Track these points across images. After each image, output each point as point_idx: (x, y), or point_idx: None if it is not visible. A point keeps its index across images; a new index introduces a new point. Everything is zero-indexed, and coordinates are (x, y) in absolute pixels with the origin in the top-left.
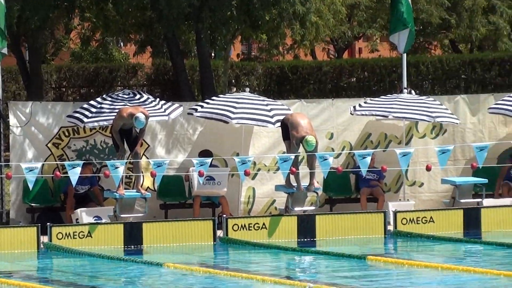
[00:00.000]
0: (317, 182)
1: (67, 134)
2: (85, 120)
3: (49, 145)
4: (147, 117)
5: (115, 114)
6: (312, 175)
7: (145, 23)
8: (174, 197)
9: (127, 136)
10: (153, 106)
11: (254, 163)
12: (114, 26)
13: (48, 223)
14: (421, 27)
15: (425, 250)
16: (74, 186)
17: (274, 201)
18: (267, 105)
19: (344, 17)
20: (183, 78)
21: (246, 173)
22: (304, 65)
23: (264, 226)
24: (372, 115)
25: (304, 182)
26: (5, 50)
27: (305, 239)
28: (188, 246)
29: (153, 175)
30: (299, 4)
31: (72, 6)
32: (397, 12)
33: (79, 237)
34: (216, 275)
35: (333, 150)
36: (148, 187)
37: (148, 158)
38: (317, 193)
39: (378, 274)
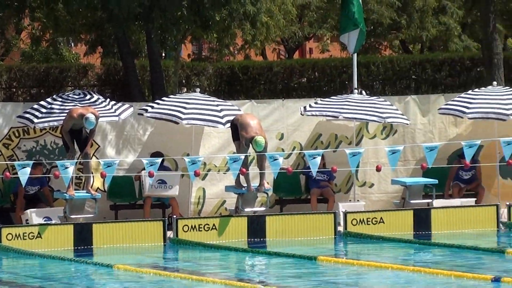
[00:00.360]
0: (267, 183)
1: (17, 134)
2: (35, 120)
3: None
4: (97, 118)
5: (66, 114)
6: (262, 176)
7: (95, 23)
8: (124, 198)
9: (77, 137)
10: (104, 107)
11: (204, 164)
12: (65, 26)
13: None
14: (372, 28)
15: (375, 251)
16: (24, 187)
17: (225, 201)
18: (217, 105)
19: (295, 17)
20: (133, 79)
21: (196, 174)
22: (254, 65)
23: (214, 227)
24: (323, 115)
25: (254, 183)
26: None
27: (256, 240)
28: (139, 247)
29: (103, 176)
30: (249, 4)
31: (23, 6)
32: (348, 12)
33: (29, 238)
34: (166, 276)
35: (283, 150)
36: (98, 187)
37: (98, 159)
38: (267, 194)
39: (329, 274)
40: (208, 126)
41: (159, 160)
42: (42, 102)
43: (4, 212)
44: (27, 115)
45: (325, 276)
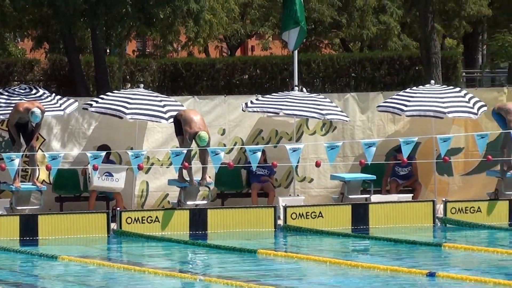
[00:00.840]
0: (209, 177)
1: None
2: None
3: None
4: (42, 112)
5: (12, 108)
6: (204, 170)
7: (41, 19)
8: (69, 190)
9: (23, 130)
10: (49, 101)
11: (148, 158)
12: (11, 21)
13: None
14: (313, 26)
15: (314, 245)
16: None
17: (167, 195)
18: (160, 101)
19: (237, 15)
20: (78, 74)
21: (140, 167)
22: (197, 62)
23: (157, 219)
24: (264, 112)
25: (197, 177)
26: None
27: (197, 232)
28: (83, 238)
29: (48, 169)
30: (193, 2)
31: None
32: (290, 10)
33: None
34: (109, 267)
35: (225, 145)
36: (43, 180)
37: (43, 152)
38: (209, 188)
39: (268, 267)
40: (152, 121)
41: (103, 153)
42: None
43: None
44: None
45: (265, 269)
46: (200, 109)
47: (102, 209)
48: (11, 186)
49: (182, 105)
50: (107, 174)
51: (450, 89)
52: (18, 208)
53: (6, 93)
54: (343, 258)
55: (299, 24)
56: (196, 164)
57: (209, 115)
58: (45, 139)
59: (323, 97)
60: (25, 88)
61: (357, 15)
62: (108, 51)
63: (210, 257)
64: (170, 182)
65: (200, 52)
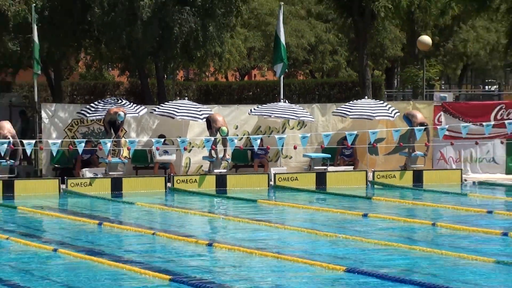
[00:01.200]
0: (228, 155)
1: (76, 123)
2: (88, 115)
3: (66, 129)
4: (125, 114)
5: (106, 112)
6: (224, 151)
7: (124, 57)
8: (142, 162)
9: (113, 125)
10: (129, 107)
11: (190, 143)
12: (106, 58)
13: (65, 177)
14: (292, 62)
15: (293, 197)
16: (81, 155)
17: (202, 166)
18: (197, 108)
19: (245, 55)
20: (147, 91)
21: (185, 149)
22: (220, 84)
23: (195, 181)
24: (261, 115)
25: (220, 155)
26: (39, 72)
27: (220, 189)
28: (150, 192)
29: (128, 149)
30: (218, 46)
31: (80, 46)
32: (277, 52)
33: (84, 186)
34: (167, 210)
35: (237, 135)
36: (125, 156)
37: (125, 139)
38: (227, 162)
39: (263, 210)
40: (192, 120)
41: (162, 140)
42: (92, 104)
43: (68, 170)
44: (82, 112)
45: (262, 211)
46: (222, 113)
47: (161, 174)
48: (106, 160)
49: (211, 111)
50: (165, 152)
51: (376, 102)
52: (109, 173)
53: (102, 103)
54: (309, 204)
55: (283, 61)
56: (219, 147)
57: (227, 117)
58: (126, 131)
59: (299, 106)
60: (114, 99)
61: (320, 56)
62: (165, 76)
63: (228, 204)
64: (204, 158)
65: (222, 77)
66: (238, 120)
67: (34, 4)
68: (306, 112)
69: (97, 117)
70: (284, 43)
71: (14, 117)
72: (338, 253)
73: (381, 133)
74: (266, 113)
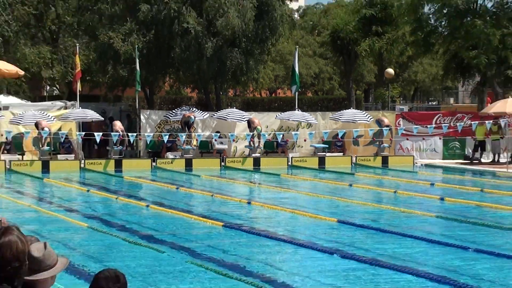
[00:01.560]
0: (261, 144)
1: (163, 123)
2: (170, 118)
3: (156, 127)
4: (194, 117)
5: (182, 115)
6: (259, 142)
7: (194, 79)
8: (205, 149)
9: (187, 124)
10: (197, 113)
11: (237, 136)
12: (182, 81)
13: (155, 158)
14: (303, 84)
15: (303, 173)
16: (165, 143)
17: (244, 152)
18: (242, 114)
19: (273, 79)
20: (209, 102)
21: (234, 140)
22: (257, 98)
23: (239, 161)
24: (283, 118)
25: (256, 145)
26: (139, 89)
27: (255, 167)
28: (210, 169)
29: (196, 140)
30: (255, 74)
31: (166, 73)
32: (293, 78)
33: (167, 163)
34: (222, 181)
35: (267, 132)
36: (195, 144)
37: (194, 133)
38: (261, 149)
39: (285, 181)
40: (238, 121)
41: (218, 134)
42: (173, 110)
43: (157, 153)
44: (167, 115)
45: (283, 182)
46: (257, 117)
47: (218, 157)
48: (182, 146)
49: (250, 116)
50: (220, 142)
51: (358, 111)
52: (184, 156)
53: (180, 110)
54: (314, 178)
55: (296, 83)
56: (256, 139)
57: (261, 120)
58: (195, 128)
59: (307, 113)
60: (188, 108)
61: (321, 81)
62: (221, 93)
63: (261, 176)
64: (245, 146)
65: (258, 94)
66: (268, 122)
67: (137, 46)
68: (312, 117)
69: (177, 119)
70: (297, 72)
71: (123, 118)
72: (332, 209)
73: (361, 132)
74: (286, 118)
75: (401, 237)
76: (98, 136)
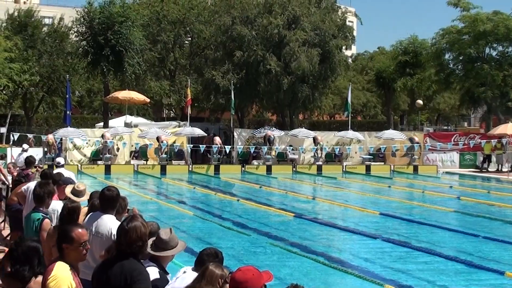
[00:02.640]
0: (322, 155)
1: (250, 138)
2: (256, 135)
3: (245, 141)
4: (274, 136)
5: (264, 134)
6: (321, 154)
7: (274, 107)
8: (281, 158)
9: (268, 140)
10: (275, 132)
11: (305, 149)
12: (265, 107)
13: (244, 164)
14: (354, 110)
15: (354, 177)
16: (252, 153)
17: (310, 160)
18: (309, 132)
19: (332, 107)
20: (284, 123)
21: (303, 152)
22: (320, 121)
23: (307, 168)
24: (340, 136)
25: (318, 156)
26: (233, 113)
27: (319, 172)
28: (285, 173)
29: (275, 151)
30: (319, 103)
31: (253, 101)
32: (346, 106)
33: (254, 169)
34: (293, 182)
35: (327, 146)
36: (273, 154)
37: (273, 146)
38: (322, 159)
39: (341, 183)
40: (306, 138)
41: (291, 147)
42: (257, 129)
43: (246, 161)
44: (253, 133)
45: (339, 184)
46: (320, 135)
47: (291, 164)
48: (265, 155)
49: (315, 134)
50: (293, 153)
51: (395, 131)
52: (266, 163)
53: (262, 129)
54: (363, 180)
55: (348, 110)
56: (318, 152)
57: (323, 137)
58: (274, 143)
59: (357, 132)
60: (268, 127)
61: (368, 108)
62: (293, 116)
63: (323, 179)
64: (311, 156)
65: (321, 118)
66: (328, 138)
67: (232, 81)
68: (361, 135)
69: (261, 135)
70: (349, 102)
71: (221, 134)
72: (375, 204)
73: (398, 147)
74: (341, 136)
75: (427, 226)
76: (202, 147)
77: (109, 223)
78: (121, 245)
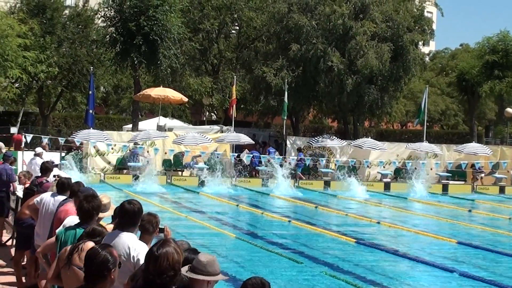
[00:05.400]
0: (391, 171)
1: (306, 148)
2: (313, 144)
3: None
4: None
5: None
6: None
7: (335, 111)
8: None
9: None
10: (336, 140)
11: (370, 162)
12: (325, 112)
13: (297, 178)
14: (430, 119)
15: (427, 197)
16: (307, 164)
17: (376, 176)
18: (376, 143)
19: (404, 114)
20: (347, 132)
21: (368, 166)
22: (390, 130)
23: (372, 185)
24: (412, 149)
25: (386, 172)
26: (285, 118)
27: (386, 190)
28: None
29: (335, 164)
30: (389, 109)
31: (310, 104)
32: (419, 113)
33: (308, 184)
34: (352, 200)
35: (398, 160)
36: (333, 168)
37: (334, 158)
38: (391, 175)
39: (411, 203)
40: (372, 149)
41: (354, 160)
42: (315, 138)
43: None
44: (309, 142)
45: (408, 204)
46: (389, 147)
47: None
48: (323, 169)
49: (383, 145)
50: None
51: (479, 145)
52: (323, 178)
53: (321, 137)
54: (437, 202)
55: (419, 118)
56: (387, 167)
57: (392, 149)
58: (334, 154)
59: (434, 145)
60: (328, 136)
61: (447, 116)
62: (358, 124)
63: (388, 198)
64: (378, 172)
65: (391, 126)
66: (399, 151)
67: (286, 80)
68: (438, 148)
69: (319, 145)
70: (423, 109)
71: (271, 142)
72: (451, 231)
73: (482, 163)
74: (414, 148)
75: None
76: (248, 157)
77: (128, 242)
78: (149, 274)
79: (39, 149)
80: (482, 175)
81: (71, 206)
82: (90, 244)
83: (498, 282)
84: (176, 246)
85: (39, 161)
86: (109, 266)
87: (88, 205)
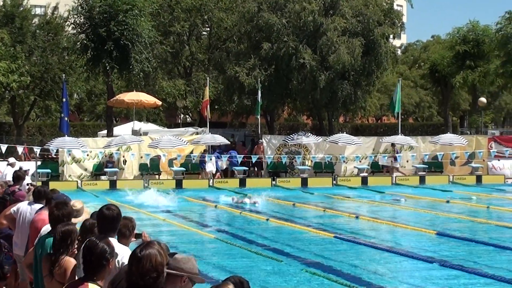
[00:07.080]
0: (368, 166)
1: (281, 146)
2: (288, 141)
3: (275, 149)
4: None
5: (297, 143)
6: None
7: (309, 108)
8: (319, 169)
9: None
10: (312, 137)
11: (346, 158)
12: (299, 109)
13: (275, 176)
14: (405, 112)
15: (405, 189)
16: (284, 164)
17: (353, 171)
18: (351, 138)
19: (378, 107)
20: (322, 128)
21: (344, 161)
22: (365, 124)
23: (349, 180)
24: (388, 142)
25: (363, 166)
26: (258, 116)
27: (364, 185)
28: (324, 186)
29: (311, 161)
30: (363, 103)
31: (284, 102)
32: (392, 105)
33: (286, 182)
34: (331, 197)
35: (374, 154)
36: (310, 165)
37: (309, 155)
38: (369, 169)
39: (391, 195)
40: (348, 145)
41: (331, 156)
42: (290, 136)
43: (277, 173)
44: (285, 140)
45: (388, 196)
46: (365, 141)
47: (330, 176)
48: (298, 167)
49: (359, 140)
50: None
51: (454, 135)
52: (300, 175)
53: (296, 135)
54: (414, 194)
55: (394, 110)
56: (363, 161)
57: (368, 143)
58: (310, 151)
59: (408, 137)
60: (303, 133)
61: (422, 109)
62: (332, 120)
63: (368, 193)
64: (354, 166)
65: (366, 121)
66: (374, 145)
67: (259, 78)
68: (414, 140)
69: (294, 143)
70: (394, 101)
71: (247, 141)
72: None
73: (457, 154)
74: (390, 141)
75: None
76: (225, 157)
77: None
78: (132, 275)
79: (11, 159)
80: (398, 166)
81: (46, 214)
82: (69, 261)
83: (476, 269)
84: (159, 248)
85: (11, 171)
86: (107, 256)
87: (58, 212)
